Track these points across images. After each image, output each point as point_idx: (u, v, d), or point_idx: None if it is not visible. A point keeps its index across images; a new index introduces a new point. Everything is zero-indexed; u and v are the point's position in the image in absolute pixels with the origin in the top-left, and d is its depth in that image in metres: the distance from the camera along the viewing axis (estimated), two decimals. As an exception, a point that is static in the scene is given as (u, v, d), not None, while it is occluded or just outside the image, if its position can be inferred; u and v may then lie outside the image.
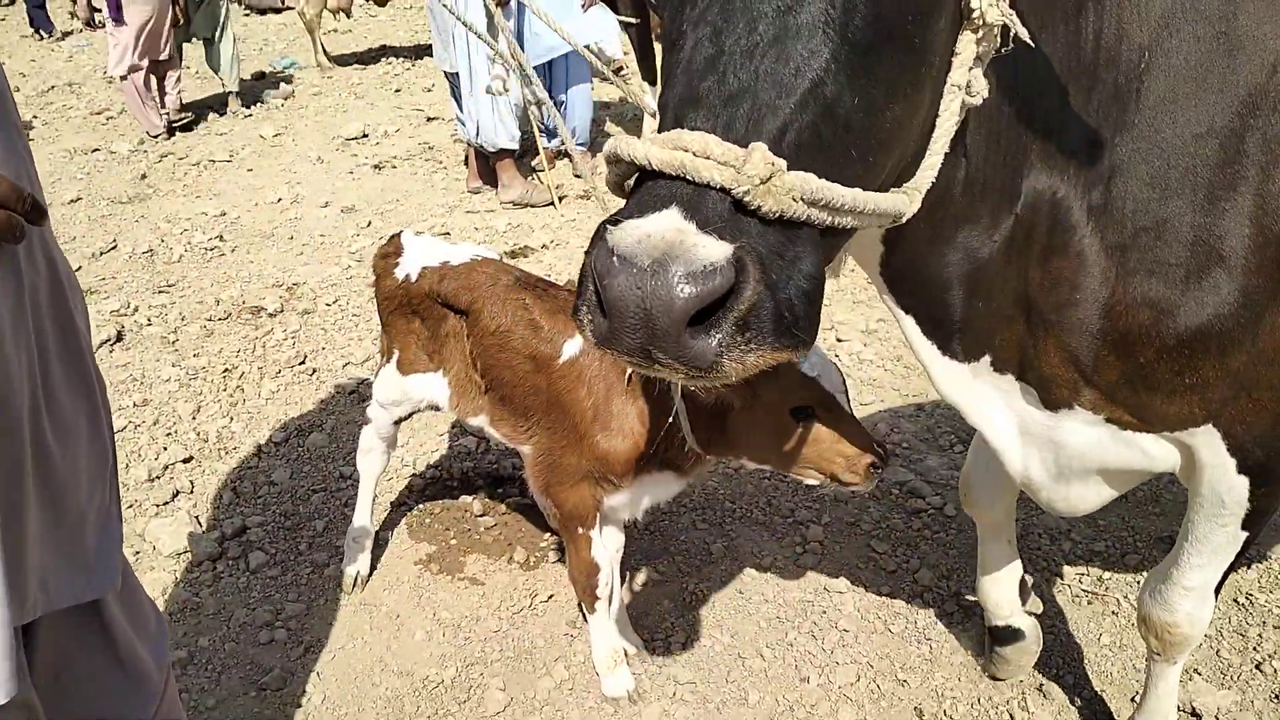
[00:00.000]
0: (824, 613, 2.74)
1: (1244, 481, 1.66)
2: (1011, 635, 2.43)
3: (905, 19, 1.05)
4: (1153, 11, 1.36)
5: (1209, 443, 1.62)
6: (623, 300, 0.92)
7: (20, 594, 1.44)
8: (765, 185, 0.92)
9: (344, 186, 6.52)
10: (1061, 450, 1.74)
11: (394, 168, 6.86)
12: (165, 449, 3.55)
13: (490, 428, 2.49)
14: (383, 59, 10.57)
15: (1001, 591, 2.41)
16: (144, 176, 6.79)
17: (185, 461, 3.47)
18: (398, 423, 2.77)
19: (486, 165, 6.13)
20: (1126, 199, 1.40)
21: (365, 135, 7.57)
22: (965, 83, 1.16)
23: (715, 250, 0.90)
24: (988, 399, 1.73)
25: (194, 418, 3.76)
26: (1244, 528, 1.74)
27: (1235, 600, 2.71)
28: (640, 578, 2.88)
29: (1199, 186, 1.39)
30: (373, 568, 2.90)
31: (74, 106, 8.87)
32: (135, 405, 3.83)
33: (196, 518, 3.18)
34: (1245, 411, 1.55)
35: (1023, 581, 2.48)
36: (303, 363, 4.18)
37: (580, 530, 2.31)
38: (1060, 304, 1.50)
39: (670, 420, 2.12)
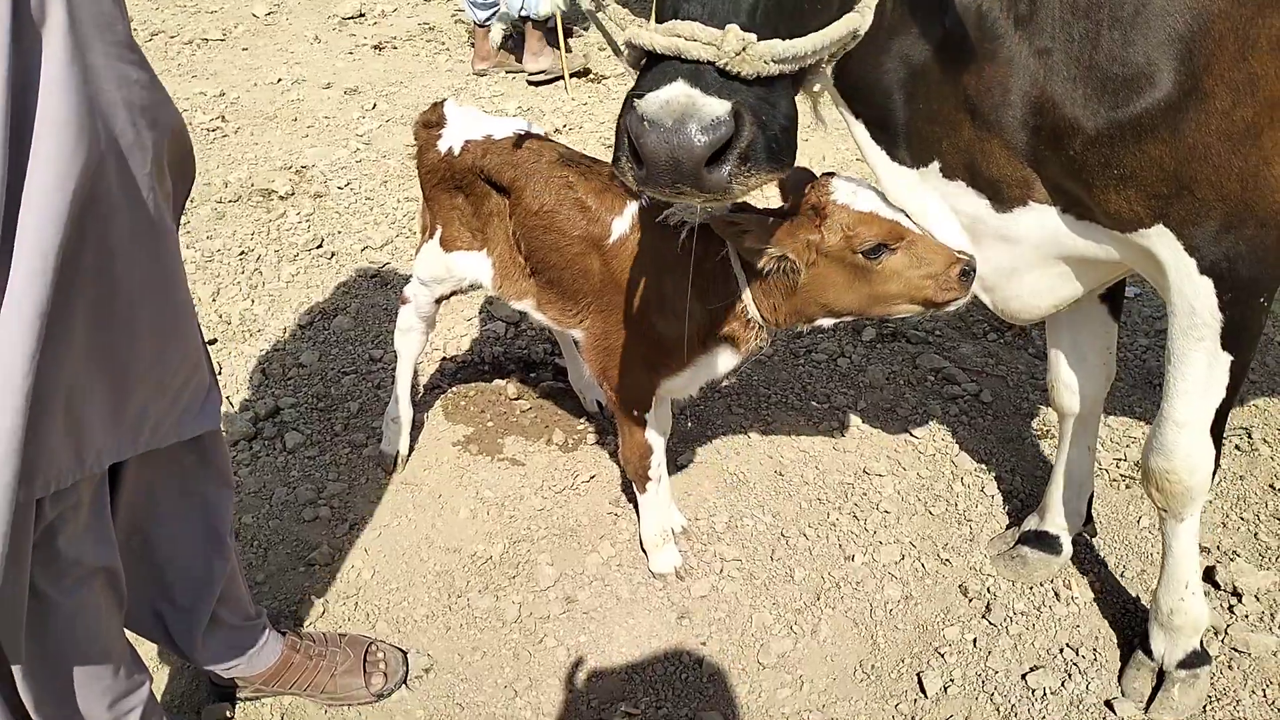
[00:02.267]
0: (864, 494, 2.76)
1: (1208, 284, 1.70)
2: (1048, 545, 2.46)
3: None
4: None
5: (1165, 243, 1.68)
6: (656, 153, 1.21)
7: (131, 429, 1.46)
8: (740, 56, 1.21)
9: (345, 67, 6.28)
10: (1016, 245, 1.85)
11: (395, 49, 6.61)
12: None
13: (537, 311, 2.44)
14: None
15: (1071, 499, 2.42)
16: (134, 54, 6.53)
17: (210, 343, 3.41)
18: (439, 301, 2.72)
19: (490, 45, 5.94)
20: (1045, 9, 1.55)
21: (362, 15, 7.27)
22: None
23: (718, 107, 1.20)
24: (933, 203, 1.87)
25: (214, 300, 3.68)
26: (1225, 347, 1.76)
27: (1272, 486, 2.75)
28: (680, 460, 2.88)
29: (1126, 7, 1.50)
30: (411, 448, 2.89)
31: (52, -20, 8.45)
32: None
33: (228, 398, 3.15)
34: (1192, 211, 1.63)
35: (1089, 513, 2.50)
36: (320, 246, 4.09)
37: (636, 413, 2.29)
38: (997, 105, 1.64)
39: (730, 297, 2.08)
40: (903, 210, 1.90)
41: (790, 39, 1.24)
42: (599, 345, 2.27)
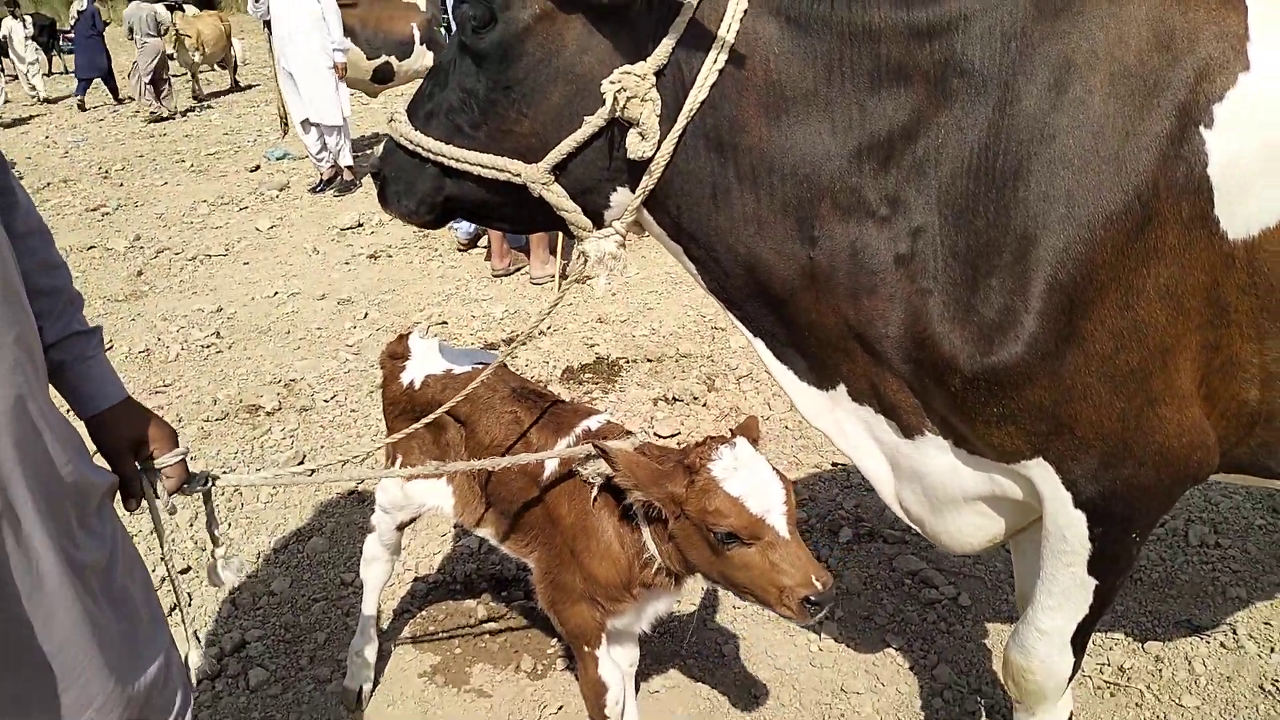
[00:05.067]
0: (842, 715, 2.66)
1: (1081, 517, 1.73)
2: None
3: (493, 75, 1.71)
4: (954, 101, 1.57)
5: (1043, 476, 1.71)
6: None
7: None
8: (390, 125, 1.86)
9: (340, 278, 6.54)
10: (925, 479, 1.85)
11: (390, 257, 6.90)
12: (162, 560, 3.48)
13: (495, 540, 2.44)
14: (374, 147, 10.71)
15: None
16: (140, 273, 6.82)
17: (183, 573, 3.40)
18: (401, 528, 2.73)
19: (506, 245, 6.24)
20: (927, 252, 1.61)
21: (360, 225, 7.64)
22: (598, 127, 1.65)
23: (380, 156, 1.95)
24: (853, 429, 1.88)
25: (191, 525, 3.70)
26: (1091, 573, 1.80)
27: (1261, 687, 2.65)
28: (652, 684, 2.80)
29: (992, 245, 1.56)
30: (376, 682, 2.83)
31: (70, 203, 8.94)
32: (132, 514, 3.77)
33: (195, 633, 3.10)
34: (1071, 447, 1.65)
35: None
36: (301, 462, 4.14)
37: (586, 649, 2.25)
38: (880, 337, 1.69)
39: (640, 538, 2.07)
40: (785, 500, 1.83)
41: (419, 134, 1.80)
42: (547, 579, 2.26)
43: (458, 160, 1.77)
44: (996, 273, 1.57)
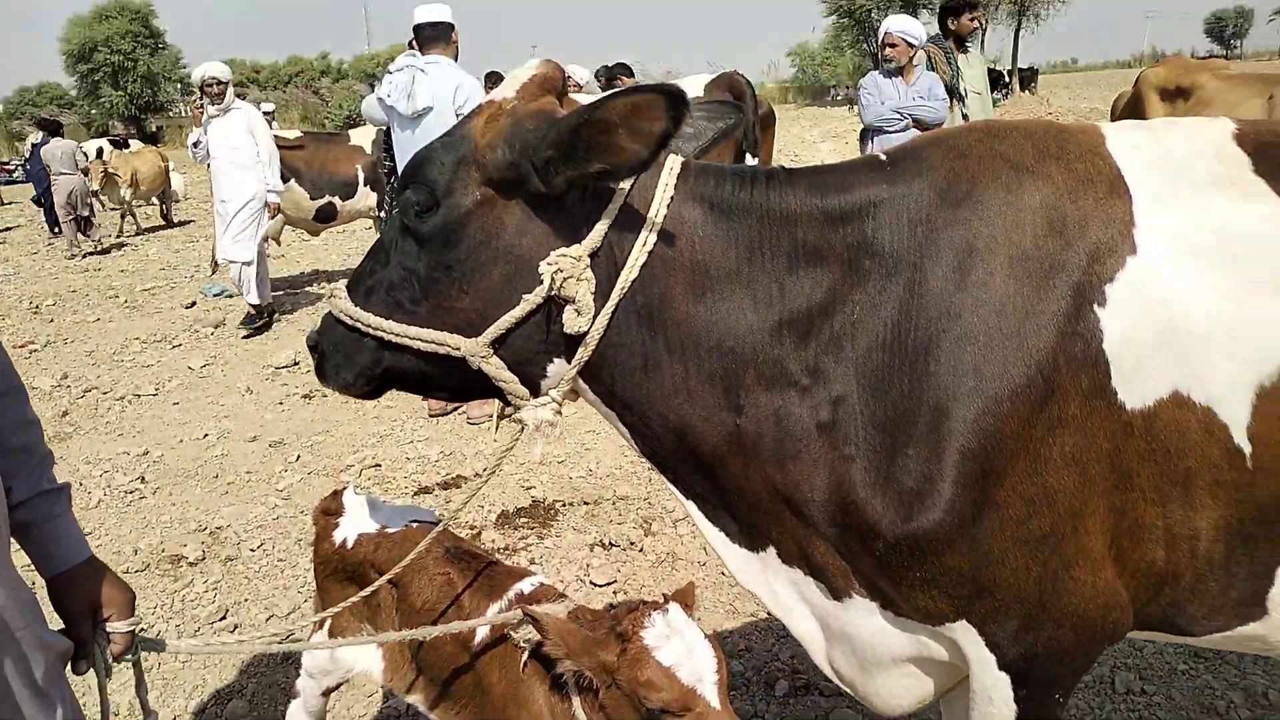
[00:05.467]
0: None
1: (1005, 679, 1.77)
2: None
3: (433, 261, 1.78)
4: (867, 280, 1.69)
5: (967, 638, 1.76)
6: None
7: None
8: (329, 301, 1.92)
9: (273, 418, 6.47)
10: (854, 641, 1.87)
11: (324, 396, 6.86)
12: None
13: (424, 707, 2.38)
14: (314, 283, 10.78)
15: None
16: (65, 414, 6.67)
17: (92, 740, 3.22)
18: (328, 694, 2.65)
19: None
20: (847, 421, 1.68)
21: (295, 363, 7.60)
22: (536, 304, 1.72)
23: (314, 333, 1.98)
24: (784, 591, 1.90)
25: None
26: None
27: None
28: None
29: (908, 415, 1.64)
30: None
31: (-5, 340, 8.77)
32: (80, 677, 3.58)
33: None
34: (992, 609, 1.70)
35: None
36: (224, 618, 4.00)
37: None
38: (806, 502, 1.74)
39: (571, 707, 2.03)
40: (716, 668, 1.82)
41: (359, 309, 1.84)
42: None
43: (398, 335, 1.82)
44: (913, 442, 1.65)
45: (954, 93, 7.38)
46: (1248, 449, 1.65)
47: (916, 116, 6.62)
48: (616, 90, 1.61)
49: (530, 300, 1.72)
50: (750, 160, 7.06)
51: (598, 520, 4.73)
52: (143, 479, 5.46)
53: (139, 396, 7.02)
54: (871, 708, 2.01)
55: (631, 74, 10.36)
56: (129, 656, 1.76)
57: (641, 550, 4.41)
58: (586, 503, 4.92)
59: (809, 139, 24.19)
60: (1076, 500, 1.65)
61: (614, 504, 4.90)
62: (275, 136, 9.03)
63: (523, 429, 1.89)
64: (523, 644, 2.06)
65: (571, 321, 1.71)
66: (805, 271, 1.72)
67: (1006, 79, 36.98)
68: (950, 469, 1.63)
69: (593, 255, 1.72)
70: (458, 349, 1.79)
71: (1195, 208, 1.70)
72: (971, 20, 7.66)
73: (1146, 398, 1.64)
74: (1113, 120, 9.62)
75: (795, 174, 1.80)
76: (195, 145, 8.81)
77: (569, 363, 1.80)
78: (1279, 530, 1.71)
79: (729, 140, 5.90)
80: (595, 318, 1.73)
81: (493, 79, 11.33)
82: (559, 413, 1.90)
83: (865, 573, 1.79)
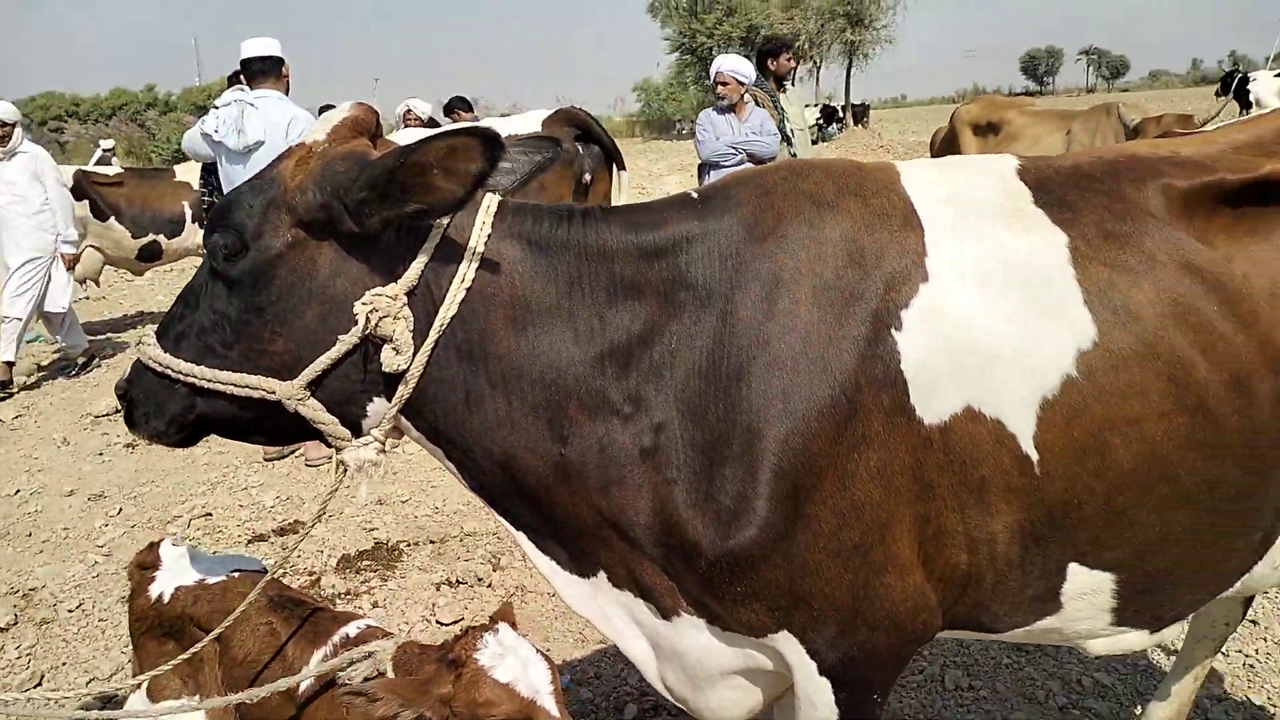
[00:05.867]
0: None
1: (826, 684, 1.87)
2: None
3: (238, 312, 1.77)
4: (683, 312, 1.77)
5: (789, 647, 1.84)
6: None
7: None
8: (140, 345, 1.86)
9: (92, 470, 6.08)
10: (684, 658, 1.93)
11: (149, 445, 6.48)
12: None
13: (253, 763, 2.28)
14: (139, 325, 10.21)
15: None
16: None
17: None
18: (152, 757, 2.49)
19: None
20: (668, 445, 1.75)
21: (117, 410, 7.15)
22: (352, 344, 1.71)
23: (123, 381, 1.91)
24: (616, 614, 1.95)
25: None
26: None
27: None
28: None
29: (724, 438, 1.72)
30: None
31: None
32: None
33: None
34: (810, 618, 1.79)
35: None
36: (39, 684, 3.71)
37: None
38: (632, 525, 1.80)
39: None
40: (551, 681, 1.86)
41: (169, 355, 1.81)
42: None
43: (210, 380, 1.78)
44: (729, 463, 1.72)
45: (781, 133, 7.70)
46: (1035, 456, 1.79)
47: (750, 151, 6.87)
48: (432, 134, 1.64)
49: (346, 341, 1.71)
50: (620, 176, 7.09)
51: (444, 558, 4.65)
52: (-59, 540, 5.02)
53: (-67, 453, 6.46)
54: None
55: (470, 108, 10.36)
56: None
57: (490, 586, 4.36)
58: (433, 541, 4.83)
59: (655, 172, 24.69)
60: (883, 511, 1.75)
61: (461, 540, 4.83)
62: (90, 173, 8.49)
63: (345, 470, 1.86)
64: (350, 695, 1.99)
65: (390, 360, 1.71)
66: (624, 305, 1.77)
67: (841, 115, 38.85)
68: (764, 487, 1.71)
69: (410, 293, 1.72)
70: (273, 392, 1.76)
71: (982, 238, 1.85)
72: (788, 60, 8.01)
73: (942, 413, 1.76)
74: (932, 154, 10.28)
75: (611, 212, 1.87)
76: None
77: (390, 401, 1.80)
78: (1067, 531, 1.86)
79: (567, 171, 5.99)
80: (415, 355, 1.74)
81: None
82: (382, 451, 1.88)
83: (691, 591, 1.84)
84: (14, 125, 7.90)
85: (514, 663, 1.83)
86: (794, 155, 7.73)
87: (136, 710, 2.40)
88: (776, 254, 1.76)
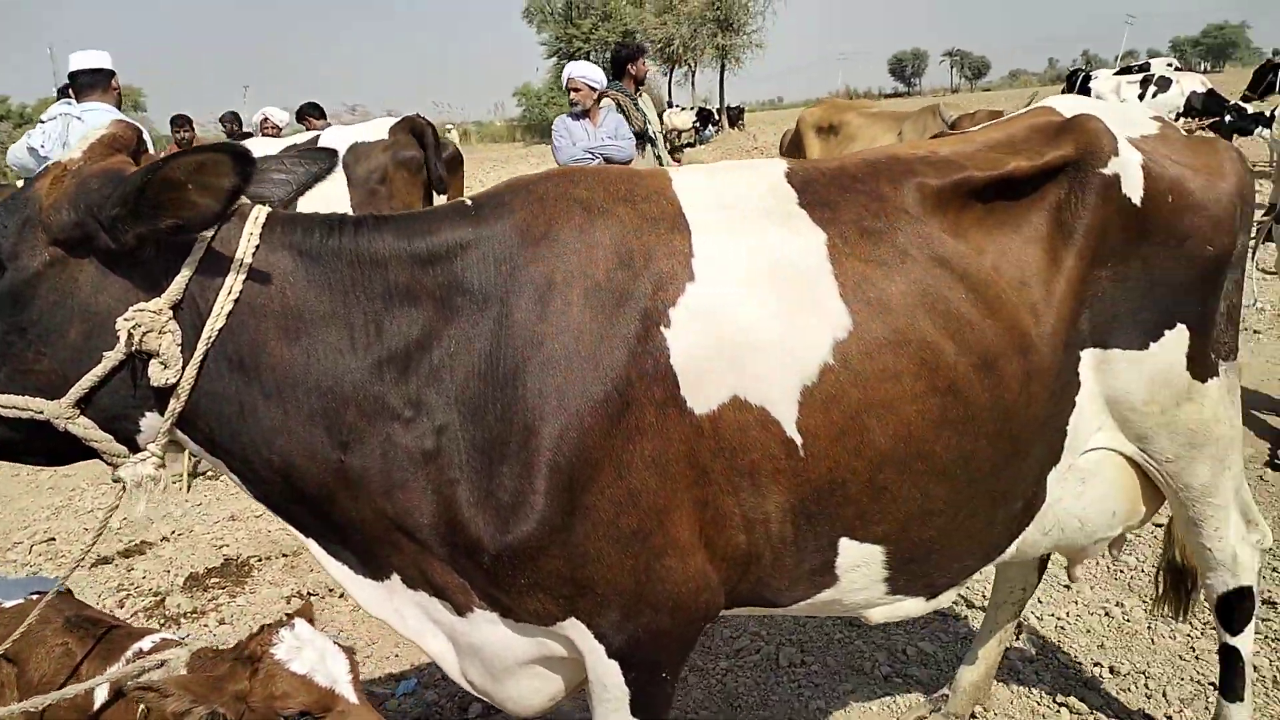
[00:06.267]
0: None
1: (615, 666, 1.97)
2: None
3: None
4: (461, 316, 1.82)
5: (578, 633, 1.93)
6: None
7: None
8: None
9: (-77, 500, 5.77)
10: (482, 652, 2.00)
11: (-10, 471, 6.21)
12: None
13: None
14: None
15: None
16: None
17: None
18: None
19: None
20: (450, 447, 1.80)
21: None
22: (118, 361, 1.71)
23: None
24: (412, 614, 2.00)
25: None
26: (635, 713, 2.03)
27: None
28: None
29: (502, 437, 1.78)
30: None
31: None
32: None
33: None
34: (595, 604, 1.89)
35: None
36: None
37: None
38: (419, 526, 1.85)
39: None
40: (349, 670, 1.92)
41: None
42: None
43: None
44: (507, 460, 1.80)
45: (644, 135, 7.85)
46: (799, 440, 1.93)
47: (606, 155, 6.99)
48: (182, 150, 1.65)
49: (111, 357, 1.71)
50: (439, 199, 7.18)
51: (296, 571, 4.60)
52: None
53: None
54: (509, 712, 2.14)
55: (322, 114, 10.20)
56: None
57: (341, 596, 4.34)
58: (285, 554, 4.78)
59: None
60: (660, 498, 1.85)
61: (315, 552, 4.78)
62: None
63: (124, 487, 1.86)
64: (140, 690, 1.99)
65: (158, 375, 1.72)
66: (401, 311, 1.82)
67: (716, 117, 39.49)
68: (540, 482, 1.78)
69: (176, 307, 1.73)
70: (40, 412, 1.74)
71: (747, 238, 1.98)
72: (644, 65, 8.18)
73: (712, 403, 1.88)
74: (780, 155, 10.61)
75: (384, 220, 1.91)
76: None
77: (162, 415, 1.80)
78: (834, 508, 2.01)
79: (416, 178, 5.99)
80: (184, 369, 1.74)
81: (177, 123, 10.81)
82: (161, 466, 1.88)
83: (481, 586, 1.91)
84: None
85: (311, 655, 1.88)
86: (658, 157, 7.90)
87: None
88: (549, 258, 1.84)
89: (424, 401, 1.81)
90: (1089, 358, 2.25)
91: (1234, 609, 2.75)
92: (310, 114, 9.93)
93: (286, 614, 2.00)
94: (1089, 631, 3.78)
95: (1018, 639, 3.72)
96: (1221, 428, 2.44)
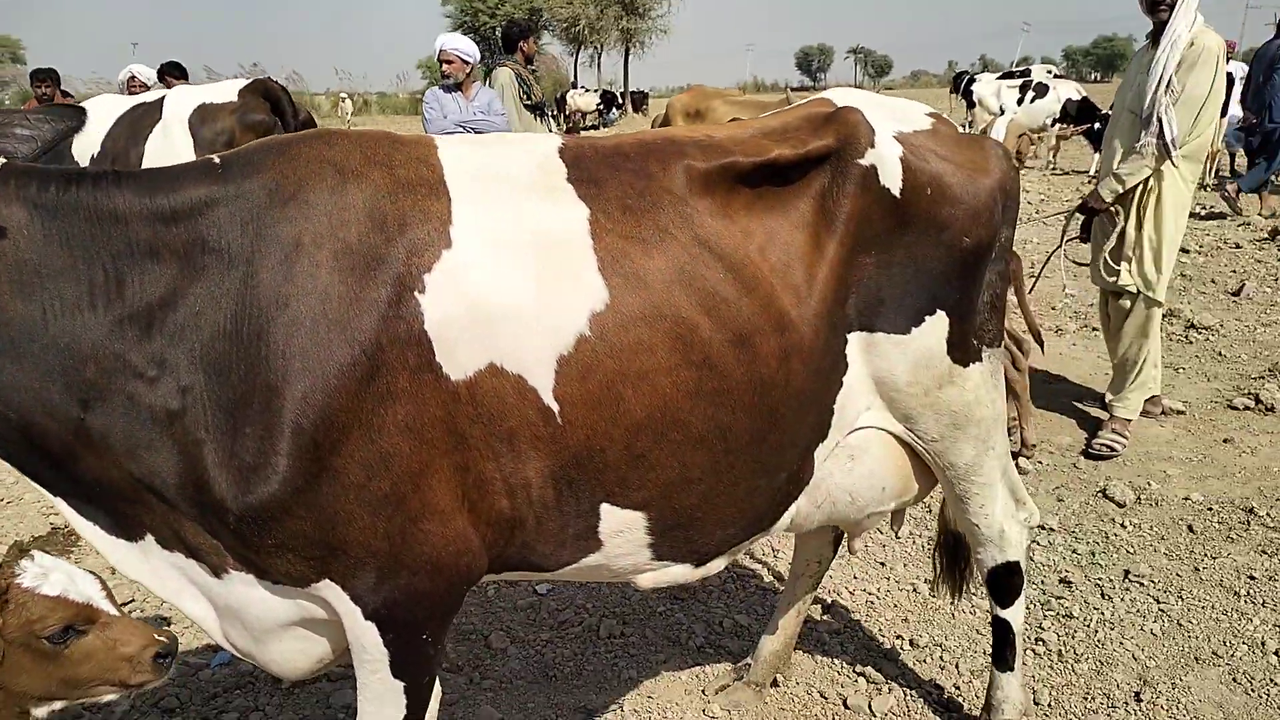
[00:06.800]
0: None
1: (372, 627, 1.99)
2: None
3: None
4: (206, 275, 1.82)
5: (335, 595, 1.94)
6: None
7: None
8: None
9: None
10: (242, 614, 2.02)
11: None
12: None
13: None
14: None
15: None
16: None
17: None
18: None
19: None
20: (195, 406, 1.79)
21: None
22: None
23: None
24: (170, 575, 2.00)
25: None
26: (397, 676, 2.07)
27: None
28: None
29: (246, 397, 1.79)
30: None
31: None
32: None
33: None
34: (349, 566, 1.91)
35: None
36: None
37: None
38: (166, 487, 1.83)
39: None
40: (102, 586, 1.95)
41: None
42: None
43: None
44: (250, 421, 1.80)
45: (540, 109, 7.91)
46: (556, 408, 1.98)
47: (477, 129, 6.95)
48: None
49: None
50: None
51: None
52: None
53: None
54: (275, 675, 2.14)
55: (184, 74, 9.90)
56: None
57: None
58: (113, 524, 4.64)
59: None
60: (415, 461, 1.87)
61: (145, 522, 4.66)
62: None
63: None
64: None
65: None
66: (143, 268, 1.80)
67: (620, 101, 39.50)
68: (282, 443, 1.79)
69: None
70: None
71: (507, 209, 2.01)
72: (535, 42, 8.27)
73: (468, 369, 1.91)
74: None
75: (125, 175, 1.87)
76: None
77: None
78: (594, 474, 2.07)
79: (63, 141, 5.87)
80: None
81: (39, 77, 10.32)
82: None
83: (232, 547, 1.91)
84: None
85: (59, 578, 1.90)
86: (551, 131, 8.00)
87: None
88: (297, 219, 1.84)
89: (169, 361, 1.80)
90: (857, 340, 2.37)
91: (1003, 583, 2.94)
92: (170, 73, 9.62)
93: (20, 546, 1.96)
94: (895, 606, 3.98)
95: (825, 614, 3.89)
96: (983, 409, 2.60)
